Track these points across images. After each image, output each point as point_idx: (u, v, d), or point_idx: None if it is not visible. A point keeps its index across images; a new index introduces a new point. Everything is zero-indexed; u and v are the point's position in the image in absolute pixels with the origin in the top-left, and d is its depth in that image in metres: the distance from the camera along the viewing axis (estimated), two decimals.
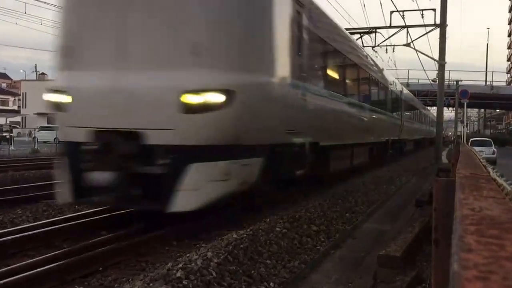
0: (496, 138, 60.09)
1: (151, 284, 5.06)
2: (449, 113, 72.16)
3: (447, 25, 26.01)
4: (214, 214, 9.00)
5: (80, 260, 6.35)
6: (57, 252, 6.82)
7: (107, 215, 9.39)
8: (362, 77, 19.27)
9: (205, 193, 8.00)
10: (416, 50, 29.07)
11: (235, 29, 8.70)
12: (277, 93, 9.46)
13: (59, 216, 9.50)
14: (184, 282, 5.22)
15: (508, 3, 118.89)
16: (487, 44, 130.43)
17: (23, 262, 6.26)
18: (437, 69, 28.49)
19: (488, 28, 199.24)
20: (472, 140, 35.87)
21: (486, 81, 67.07)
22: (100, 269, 6.04)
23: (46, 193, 11.37)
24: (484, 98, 57.99)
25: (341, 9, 48.63)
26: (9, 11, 72.62)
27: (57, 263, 6.07)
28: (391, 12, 27.51)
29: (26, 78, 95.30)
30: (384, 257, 6.69)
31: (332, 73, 14.92)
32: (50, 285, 5.71)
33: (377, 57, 28.08)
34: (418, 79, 60.91)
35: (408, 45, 28.15)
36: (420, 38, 28.93)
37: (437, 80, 30.26)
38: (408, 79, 60.66)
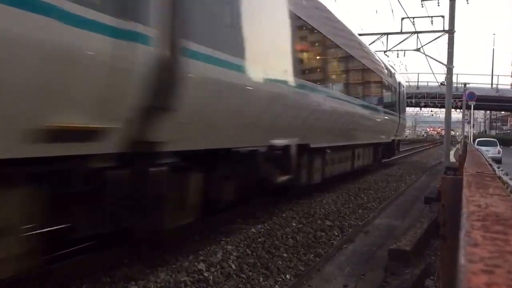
0: (501, 139, 59.49)
1: (174, 276, 5.08)
2: (456, 114, 71.53)
3: (455, 31, 25.78)
4: (233, 209, 9.00)
5: (104, 253, 6.32)
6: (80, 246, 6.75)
7: None
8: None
9: None
10: (426, 55, 28.91)
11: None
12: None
13: None
14: (205, 274, 5.23)
15: None
16: (493, 49, 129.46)
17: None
18: (446, 72, 28.28)
19: (494, 34, 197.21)
20: (478, 140, 35.54)
21: (492, 84, 66.43)
22: (126, 261, 6.04)
23: None
24: (490, 101, 57.40)
25: (355, 15, 48.48)
26: None
27: (84, 256, 6.05)
28: (402, 19, 27.38)
29: None
30: (395, 251, 6.66)
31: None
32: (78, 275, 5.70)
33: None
34: (427, 82, 60.52)
35: (418, 50, 27.97)
36: (430, 43, 28.75)
37: (445, 83, 30.01)
38: (418, 82, 60.33)
